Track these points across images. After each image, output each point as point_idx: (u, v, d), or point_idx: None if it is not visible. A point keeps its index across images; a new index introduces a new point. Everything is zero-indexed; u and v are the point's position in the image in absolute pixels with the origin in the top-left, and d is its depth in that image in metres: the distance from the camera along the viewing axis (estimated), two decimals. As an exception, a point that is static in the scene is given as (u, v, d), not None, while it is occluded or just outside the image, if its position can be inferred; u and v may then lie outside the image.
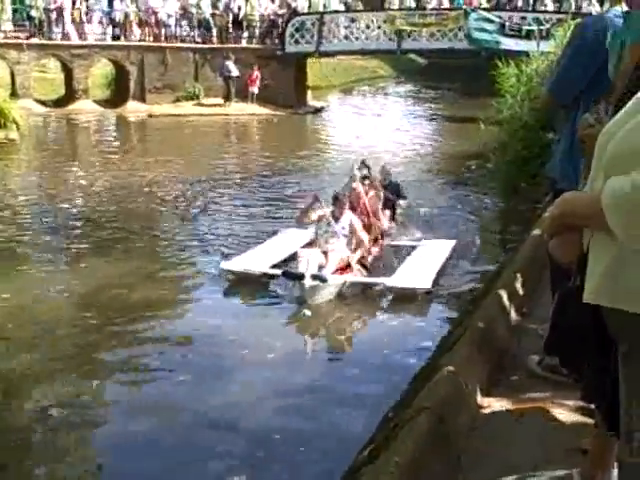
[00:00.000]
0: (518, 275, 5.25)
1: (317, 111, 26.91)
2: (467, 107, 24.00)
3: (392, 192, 10.71)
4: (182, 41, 26.24)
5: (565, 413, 3.41)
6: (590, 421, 2.82)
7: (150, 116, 23.72)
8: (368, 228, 9.02)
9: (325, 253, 8.21)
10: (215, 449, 4.98)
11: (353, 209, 9.01)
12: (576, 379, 2.96)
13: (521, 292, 5.05)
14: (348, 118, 26.82)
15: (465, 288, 8.19)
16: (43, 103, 24.09)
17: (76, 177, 14.65)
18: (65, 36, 24.78)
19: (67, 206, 12.23)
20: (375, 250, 9.10)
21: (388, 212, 10.29)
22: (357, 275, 8.33)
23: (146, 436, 5.14)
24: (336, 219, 8.50)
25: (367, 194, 9.60)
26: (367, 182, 10.11)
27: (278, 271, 8.06)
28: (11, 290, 7.98)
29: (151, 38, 25.75)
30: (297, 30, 25.31)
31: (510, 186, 11.92)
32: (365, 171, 10.61)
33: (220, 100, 25.00)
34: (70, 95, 24.64)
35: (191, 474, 4.74)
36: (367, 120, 25.68)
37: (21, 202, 12.32)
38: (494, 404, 3.61)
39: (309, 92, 28.07)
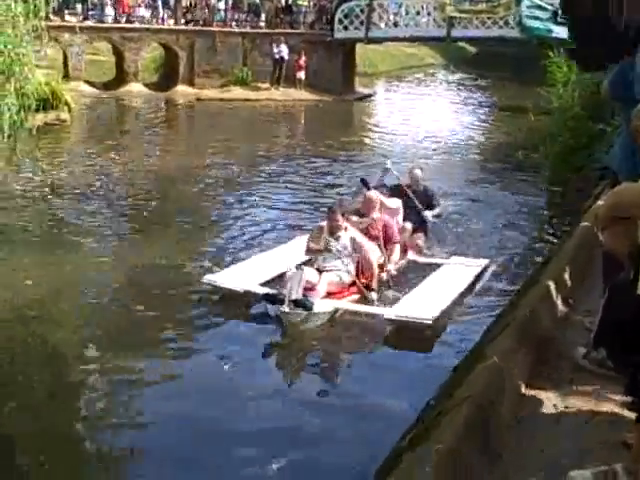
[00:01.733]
0: (565, 266, 5.20)
1: (365, 97, 26.84)
2: (516, 96, 23.72)
3: (422, 201, 9.14)
4: (231, 26, 26.38)
5: (611, 407, 3.38)
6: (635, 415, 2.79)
7: (198, 100, 23.91)
8: (384, 244, 7.93)
9: (320, 272, 7.23)
10: (255, 428, 5.03)
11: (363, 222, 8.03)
12: (620, 372, 2.94)
13: (568, 283, 5.00)
14: (396, 105, 26.70)
15: (507, 288, 7.65)
16: (94, 85, 24.43)
17: (124, 158, 14.83)
18: (117, 19, 25.07)
19: (115, 186, 12.38)
20: (391, 268, 7.86)
21: (410, 224, 8.88)
22: (361, 299, 7.25)
23: (181, 415, 5.18)
24: (332, 234, 7.39)
25: (385, 205, 8.47)
26: (385, 190, 8.95)
27: (262, 291, 7.00)
28: (59, 268, 8.14)
29: (201, 23, 25.93)
30: (346, 16, 25.23)
31: (558, 177, 11.77)
32: (386, 179, 9.35)
33: (268, 85, 25.11)
34: (120, 78, 24.98)
35: (225, 460, 4.75)
36: (415, 108, 25.52)
37: (70, 182, 12.50)
38: (538, 396, 3.59)
39: (357, 79, 28.00)
